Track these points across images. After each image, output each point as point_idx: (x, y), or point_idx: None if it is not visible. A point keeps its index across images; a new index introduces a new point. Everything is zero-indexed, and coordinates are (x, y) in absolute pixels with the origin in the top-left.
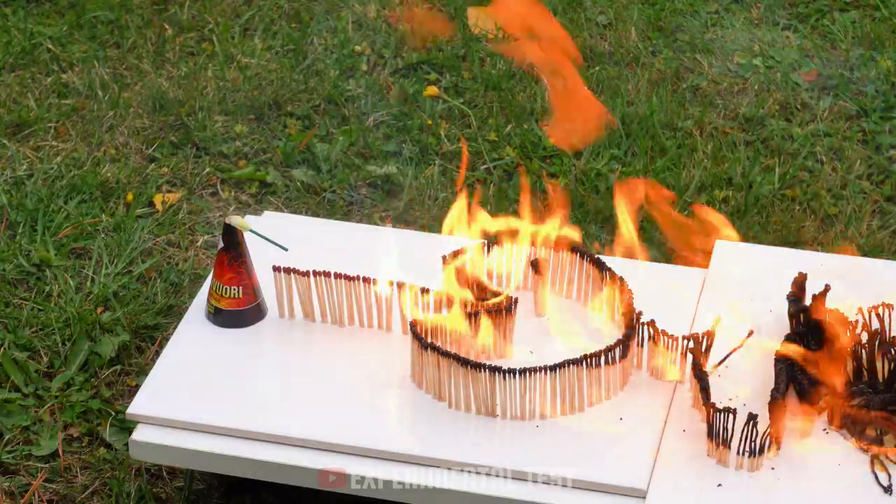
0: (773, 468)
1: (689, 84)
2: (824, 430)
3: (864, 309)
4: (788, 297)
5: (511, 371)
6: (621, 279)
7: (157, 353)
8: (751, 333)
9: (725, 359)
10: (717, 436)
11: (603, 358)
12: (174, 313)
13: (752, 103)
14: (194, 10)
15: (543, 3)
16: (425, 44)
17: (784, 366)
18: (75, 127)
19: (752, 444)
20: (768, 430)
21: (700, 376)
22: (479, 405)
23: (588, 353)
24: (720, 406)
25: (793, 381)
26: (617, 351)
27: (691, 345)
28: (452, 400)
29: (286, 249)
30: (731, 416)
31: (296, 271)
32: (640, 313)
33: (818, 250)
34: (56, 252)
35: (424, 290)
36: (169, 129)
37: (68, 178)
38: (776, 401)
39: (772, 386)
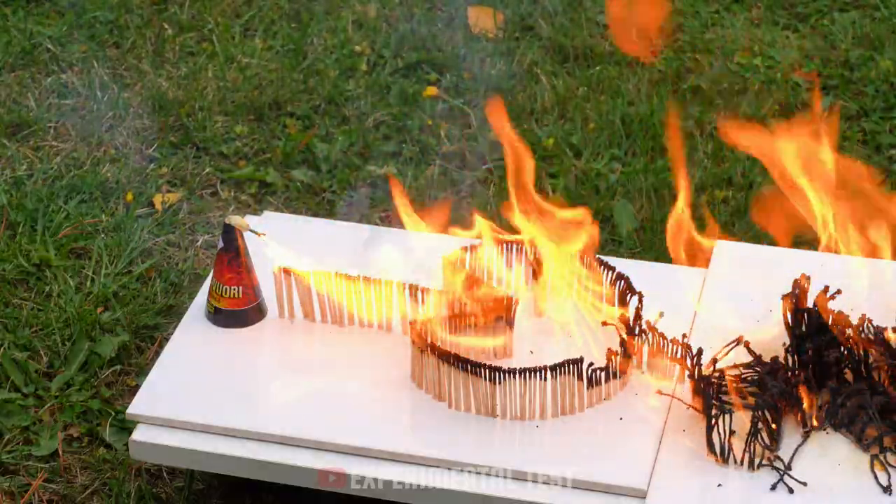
0: (773, 468)
1: (689, 84)
2: (824, 430)
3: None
4: (784, 297)
5: (511, 371)
6: (626, 278)
7: (157, 353)
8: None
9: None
10: (714, 445)
11: (602, 373)
12: (174, 313)
13: (752, 103)
14: (194, 10)
15: (545, 5)
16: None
17: (772, 368)
18: (75, 127)
19: (751, 446)
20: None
21: (699, 380)
22: (479, 405)
23: (587, 353)
24: (721, 408)
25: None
26: (617, 356)
27: (690, 349)
28: (452, 400)
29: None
30: (730, 417)
31: (296, 271)
32: (650, 320)
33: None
34: (56, 252)
35: (425, 290)
36: (169, 129)
37: (68, 178)
38: (766, 405)
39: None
